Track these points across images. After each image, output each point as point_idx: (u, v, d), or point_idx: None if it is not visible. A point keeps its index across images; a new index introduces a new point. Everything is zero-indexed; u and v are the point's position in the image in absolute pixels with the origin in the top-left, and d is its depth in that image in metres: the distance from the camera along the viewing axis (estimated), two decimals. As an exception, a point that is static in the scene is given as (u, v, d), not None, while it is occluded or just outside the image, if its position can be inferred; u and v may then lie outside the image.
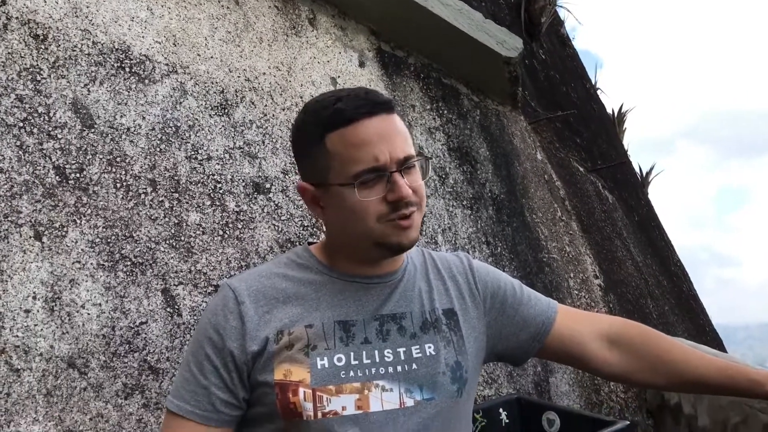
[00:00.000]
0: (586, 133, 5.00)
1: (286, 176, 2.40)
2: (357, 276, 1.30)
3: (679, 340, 1.51)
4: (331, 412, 1.17)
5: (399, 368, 1.24)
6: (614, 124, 6.93)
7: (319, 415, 1.17)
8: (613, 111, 7.16)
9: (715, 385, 1.41)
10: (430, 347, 1.28)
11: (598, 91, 6.69)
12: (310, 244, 1.40)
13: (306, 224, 2.40)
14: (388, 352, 1.25)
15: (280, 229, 2.31)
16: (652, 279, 4.32)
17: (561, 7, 5.72)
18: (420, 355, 1.27)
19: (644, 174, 7.20)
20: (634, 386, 3.09)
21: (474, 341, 1.36)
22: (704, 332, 4.99)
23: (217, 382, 1.21)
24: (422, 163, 1.28)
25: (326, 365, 1.20)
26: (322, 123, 1.22)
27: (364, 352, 1.23)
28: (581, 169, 4.35)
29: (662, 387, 1.52)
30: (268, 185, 2.33)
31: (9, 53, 1.86)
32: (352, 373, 1.21)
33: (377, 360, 1.23)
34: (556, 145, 4.21)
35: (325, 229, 1.35)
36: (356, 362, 1.22)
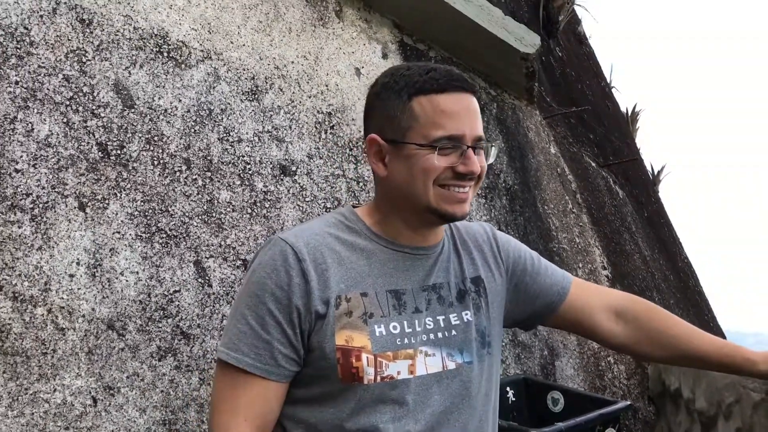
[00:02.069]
0: (600, 129, 5.09)
1: (311, 160, 2.53)
2: (405, 246, 1.36)
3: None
4: (388, 377, 1.26)
5: (440, 335, 1.33)
6: (628, 123, 7.00)
7: (378, 378, 1.25)
8: (627, 110, 7.24)
9: (713, 362, 1.52)
10: (466, 314, 1.38)
11: (613, 90, 6.77)
12: (354, 206, 1.42)
13: (329, 206, 2.52)
14: (429, 320, 1.33)
15: (304, 210, 2.44)
16: (658, 273, 4.42)
17: (579, 6, 5.80)
18: (458, 322, 1.36)
19: (656, 173, 7.27)
20: (637, 358, 3.16)
21: (497, 306, 1.46)
22: (709, 328, 5.08)
23: (280, 337, 1.23)
24: (488, 148, 1.35)
25: (384, 333, 1.27)
26: (414, 86, 1.28)
27: (416, 321, 1.32)
28: (593, 164, 4.45)
29: (663, 360, 1.62)
30: (294, 168, 2.46)
31: (57, 36, 1.98)
32: (406, 341, 1.29)
33: (423, 328, 1.32)
34: (569, 140, 4.31)
35: (376, 190, 1.40)
36: (409, 330, 1.30)
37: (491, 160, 1.35)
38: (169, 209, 2.08)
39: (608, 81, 6.68)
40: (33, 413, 1.68)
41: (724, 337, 5.47)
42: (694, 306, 4.98)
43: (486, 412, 1.37)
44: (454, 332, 1.35)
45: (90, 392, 1.78)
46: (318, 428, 1.27)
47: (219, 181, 2.22)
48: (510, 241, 1.57)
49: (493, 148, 1.37)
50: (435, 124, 1.26)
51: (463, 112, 1.28)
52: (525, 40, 3.38)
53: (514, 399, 2.62)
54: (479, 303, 1.42)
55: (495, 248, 1.51)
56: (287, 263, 1.25)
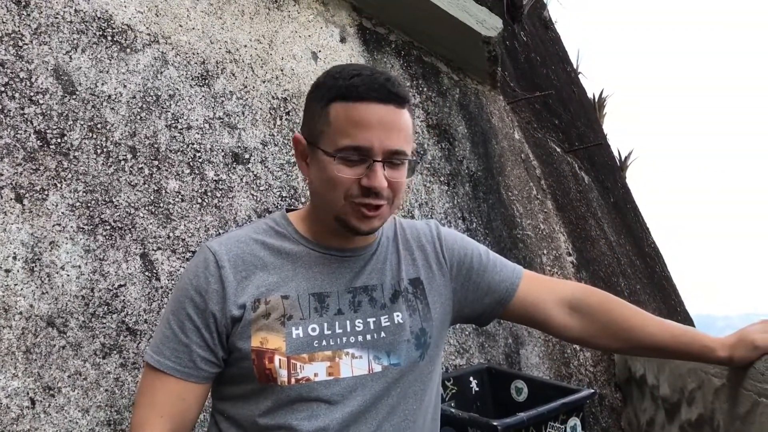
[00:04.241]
0: (565, 115, 5.07)
1: (266, 147, 2.45)
2: (332, 249, 1.35)
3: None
4: (304, 378, 1.24)
5: (368, 337, 1.31)
6: (595, 109, 7.00)
7: (293, 380, 1.24)
8: (594, 95, 7.24)
9: (670, 351, 1.49)
10: (398, 316, 1.34)
11: (580, 76, 6.76)
12: (287, 210, 1.43)
13: (284, 195, 2.45)
14: (359, 322, 1.31)
15: (258, 199, 2.36)
16: (624, 259, 4.41)
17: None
18: (388, 323, 1.33)
19: (623, 158, 7.29)
20: (594, 349, 3.16)
21: (440, 307, 1.42)
22: (675, 312, 5.10)
23: (198, 341, 1.26)
24: (412, 164, 1.31)
25: (301, 335, 1.26)
26: (333, 90, 1.25)
27: (336, 323, 1.29)
28: (558, 150, 4.42)
29: (621, 351, 1.59)
30: (247, 156, 2.38)
31: (-9, 18, 1.88)
32: (324, 342, 1.27)
33: (348, 330, 1.30)
34: (533, 126, 4.27)
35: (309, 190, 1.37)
36: (329, 332, 1.28)
37: (408, 176, 1.30)
38: (114, 200, 1.99)
39: (575, 66, 6.66)
40: (-35, 417, 1.59)
41: (691, 321, 5.49)
42: (661, 291, 4.99)
43: (412, 412, 1.34)
44: (383, 334, 1.32)
45: (28, 393, 1.69)
46: (239, 423, 1.29)
47: (167, 170, 2.14)
48: (456, 239, 1.52)
49: (415, 163, 1.33)
50: (343, 132, 1.23)
51: (375, 123, 1.23)
52: (486, 23, 3.32)
53: (477, 389, 2.58)
54: (415, 305, 1.38)
55: (438, 247, 1.47)
56: (207, 270, 1.27)
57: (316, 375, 1.25)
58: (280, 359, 1.24)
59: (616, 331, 1.49)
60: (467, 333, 2.86)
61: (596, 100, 7.23)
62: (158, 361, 1.26)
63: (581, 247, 3.85)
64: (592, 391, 2.32)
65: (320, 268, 1.33)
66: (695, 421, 2.16)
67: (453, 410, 2.12)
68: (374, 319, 1.32)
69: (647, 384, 2.81)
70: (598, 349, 2.51)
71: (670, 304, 5.05)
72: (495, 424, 1.98)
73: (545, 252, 3.52)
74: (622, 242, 4.62)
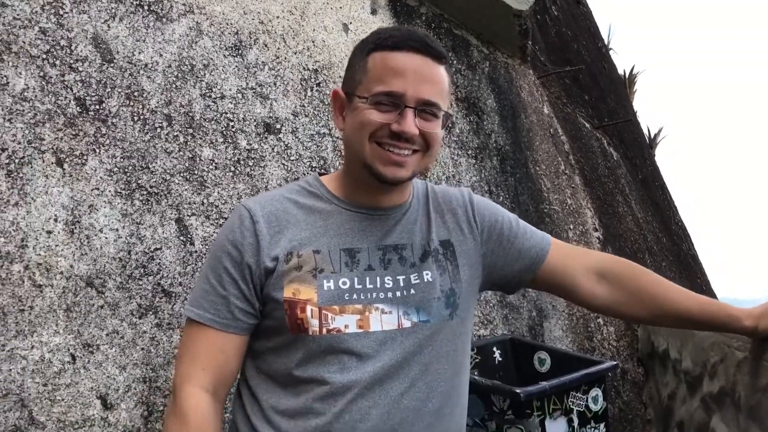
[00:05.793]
0: (595, 90, 5.03)
1: (296, 118, 2.48)
2: (363, 207, 1.39)
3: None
4: (335, 329, 1.29)
5: (398, 293, 1.34)
6: (625, 85, 6.94)
7: (324, 330, 1.28)
8: (624, 72, 7.17)
9: (697, 320, 1.51)
10: (427, 274, 1.38)
11: (611, 51, 6.69)
12: (320, 174, 1.48)
13: (314, 165, 2.49)
14: (388, 279, 1.35)
15: (289, 169, 2.40)
16: (651, 236, 4.40)
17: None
18: (418, 281, 1.37)
19: (652, 135, 7.23)
20: (620, 318, 3.18)
21: (469, 270, 1.45)
22: (701, 292, 5.08)
23: (236, 292, 1.31)
24: (444, 119, 1.34)
25: (332, 287, 1.31)
26: (374, 42, 1.32)
27: (367, 278, 1.34)
28: (587, 125, 4.40)
29: (647, 320, 1.61)
30: (278, 126, 2.42)
31: (33, -13, 1.93)
32: (355, 296, 1.31)
33: (378, 285, 1.34)
34: (563, 101, 4.26)
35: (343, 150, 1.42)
36: (359, 286, 1.32)
37: (438, 130, 1.34)
38: (150, 166, 2.04)
39: (606, 42, 6.59)
40: (11, 369, 1.66)
41: (716, 300, 5.47)
42: (687, 269, 4.98)
43: (444, 372, 1.37)
44: (413, 291, 1.36)
45: (68, 349, 1.77)
46: (272, 377, 1.34)
47: (201, 138, 2.19)
48: (487, 206, 1.56)
49: (449, 119, 1.37)
50: (379, 79, 1.28)
51: (410, 72, 1.28)
52: (518, -4, 3.32)
53: (500, 359, 2.62)
54: (445, 265, 1.41)
55: (470, 212, 1.50)
56: (243, 225, 1.33)
57: (346, 327, 1.29)
58: (311, 309, 1.28)
59: (644, 299, 1.51)
60: (491, 305, 2.90)
61: (627, 76, 7.16)
62: (198, 314, 1.32)
63: (608, 222, 3.86)
64: (615, 363, 2.35)
65: (351, 225, 1.37)
66: (717, 394, 2.18)
67: (476, 377, 2.16)
68: (404, 276, 1.36)
69: (670, 358, 2.83)
70: (625, 318, 2.53)
71: (695, 283, 5.04)
72: (518, 391, 2.02)
73: (572, 227, 3.53)
74: (649, 219, 4.61)
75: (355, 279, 1.33)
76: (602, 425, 2.26)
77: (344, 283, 1.31)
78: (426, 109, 1.29)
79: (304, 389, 1.30)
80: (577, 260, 1.55)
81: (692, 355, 2.49)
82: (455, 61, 3.28)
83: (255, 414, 1.34)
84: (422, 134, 1.29)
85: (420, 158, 1.33)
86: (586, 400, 2.23)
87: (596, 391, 2.26)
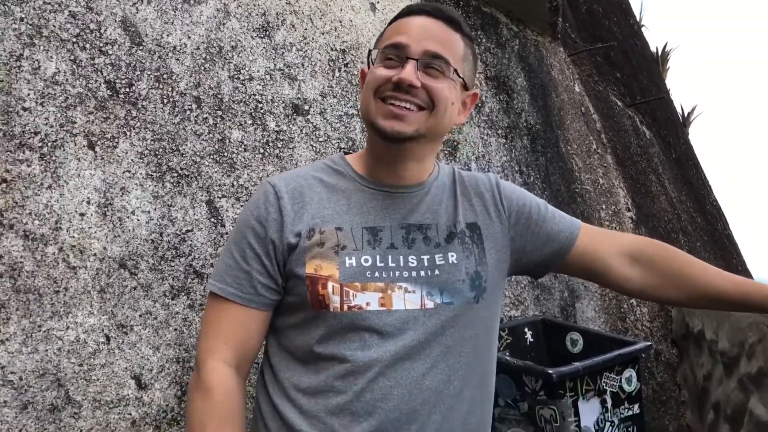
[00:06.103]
0: (627, 68, 4.95)
1: (324, 99, 2.48)
2: (385, 185, 1.39)
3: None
4: (356, 306, 1.28)
5: (422, 273, 1.33)
6: (657, 63, 6.82)
7: (345, 307, 1.27)
8: (657, 49, 7.04)
9: (734, 300, 1.46)
10: (452, 256, 1.36)
11: (643, 28, 6.57)
12: (346, 153, 1.48)
13: (342, 146, 2.48)
14: (412, 258, 1.33)
15: (317, 150, 2.40)
16: (685, 215, 4.33)
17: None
18: (443, 262, 1.35)
19: (686, 114, 7.10)
20: (655, 301, 3.13)
21: (495, 254, 1.43)
22: (737, 272, 5.01)
23: (259, 267, 1.32)
24: (451, 74, 1.32)
25: (354, 264, 1.30)
26: (396, 16, 1.37)
27: (389, 256, 1.33)
28: (619, 103, 4.33)
29: (682, 302, 1.57)
30: (306, 107, 2.41)
31: (62, -29, 1.94)
32: (377, 274, 1.30)
33: (401, 264, 1.32)
34: (594, 79, 4.19)
35: None
36: (382, 264, 1.31)
37: (445, 86, 1.31)
38: (180, 148, 2.05)
39: (638, 19, 6.47)
40: (47, 350, 1.69)
41: (751, 280, 5.38)
42: (722, 249, 4.90)
43: (466, 354, 1.34)
44: (437, 272, 1.34)
45: (103, 330, 1.79)
46: (294, 354, 1.34)
47: (230, 120, 2.19)
48: (515, 190, 1.54)
49: (455, 73, 1.34)
50: (387, 39, 1.34)
51: (416, 29, 1.31)
52: (548, -28, 3.27)
53: (531, 340, 2.60)
54: (471, 248, 1.39)
55: (497, 196, 1.48)
56: (267, 201, 1.34)
57: (368, 304, 1.28)
58: (333, 285, 1.27)
59: (679, 281, 1.48)
60: (522, 285, 2.88)
61: (659, 53, 7.03)
62: (221, 288, 1.33)
63: (641, 202, 3.80)
64: (649, 343, 2.32)
65: (374, 203, 1.37)
66: (755, 375, 2.15)
67: (508, 358, 2.15)
68: (428, 256, 1.34)
69: (705, 339, 2.79)
70: (659, 301, 2.50)
71: (731, 263, 4.96)
72: (550, 372, 2.00)
73: (604, 207, 3.49)
74: (683, 199, 4.54)
75: (377, 257, 1.32)
76: (636, 406, 2.24)
77: (366, 261, 1.31)
78: (431, 63, 1.29)
79: (325, 367, 1.29)
80: (607, 244, 1.52)
81: (729, 335, 2.45)
82: (484, 39, 3.24)
83: (276, 392, 1.34)
84: (426, 89, 1.28)
85: (426, 117, 1.31)
86: (620, 381, 2.21)
87: (630, 372, 2.23)
